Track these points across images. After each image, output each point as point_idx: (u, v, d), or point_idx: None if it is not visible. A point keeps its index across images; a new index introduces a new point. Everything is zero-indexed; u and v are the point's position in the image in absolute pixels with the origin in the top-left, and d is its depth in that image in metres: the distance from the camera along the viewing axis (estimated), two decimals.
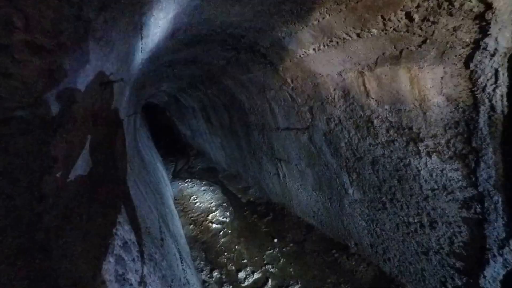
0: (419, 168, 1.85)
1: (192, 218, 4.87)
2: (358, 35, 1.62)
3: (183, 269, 2.35)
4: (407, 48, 1.50)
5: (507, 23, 1.11)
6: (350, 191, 2.61)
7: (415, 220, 2.04)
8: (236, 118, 4.56)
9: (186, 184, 6.68)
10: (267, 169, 4.26)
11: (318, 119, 2.60)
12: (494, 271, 1.63)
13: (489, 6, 1.09)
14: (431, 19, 1.27)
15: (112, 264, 0.87)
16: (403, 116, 1.80)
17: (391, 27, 1.44)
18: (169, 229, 2.81)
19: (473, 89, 1.37)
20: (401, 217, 2.16)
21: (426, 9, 1.26)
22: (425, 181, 1.84)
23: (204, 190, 6.06)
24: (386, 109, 1.89)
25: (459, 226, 1.74)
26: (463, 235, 1.74)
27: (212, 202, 5.35)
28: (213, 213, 4.85)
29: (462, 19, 1.19)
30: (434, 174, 1.77)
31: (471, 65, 1.32)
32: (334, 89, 2.23)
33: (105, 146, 1.24)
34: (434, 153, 1.71)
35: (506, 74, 1.24)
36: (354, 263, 2.89)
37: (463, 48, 1.30)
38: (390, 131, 1.94)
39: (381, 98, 1.88)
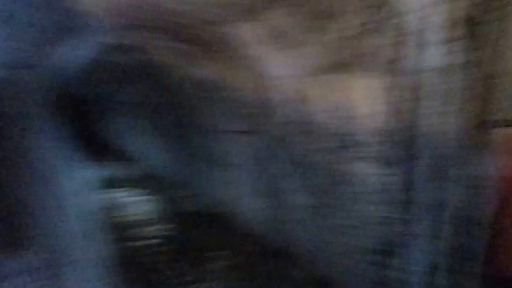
0: (355, 174, 2.00)
1: (124, 234, 4.36)
2: (308, 39, 1.68)
3: None
4: (348, 59, 1.62)
5: (427, 43, 1.28)
6: (294, 196, 2.69)
7: (348, 223, 2.20)
8: (179, 117, 4.32)
9: (119, 194, 6.00)
10: (212, 175, 4.12)
11: (267, 123, 2.63)
12: None
13: (409, 28, 1.25)
14: (364, 36, 1.40)
15: None
16: (342, 123, 1.93)
17: (339, 36, 1.54)
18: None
19: (399, 104, 1.54)
20: (337, 220, 2.30)
21: (360, 26, 1.38)
22: (360, 185, 2.00)
23: (140, 200, 5.53)
24: (328, 115, 2.00)
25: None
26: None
27: (150, 213, 4.91)
28: (151, 227, 4.44)
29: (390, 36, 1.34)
30: (367, 179, 1.93)
31: (396, 81, 1.48)
32: (285, 92, 2.27)
33: None
34: (368, 159, 1.87)
35: (428, 89, 1.43)
36: (293, 268, 2.96)
37: (389, 65, 1.45)
38: (331, 137, 2.06)
39: (325, 104, 1.99)
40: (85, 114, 10.29)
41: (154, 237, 4.16)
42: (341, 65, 1.73)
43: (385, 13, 1.31)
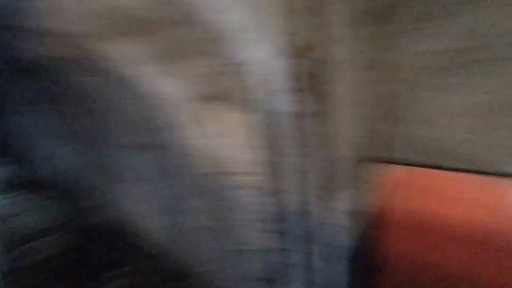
0: (235, 200, 2.06)
1: (8, 246, 3.84)
2: (172, 71, 1.68)
3: None
4: (220, 93, 1.66)
5: (273, 92, 1.36)
6: (191, 216, 2.67)
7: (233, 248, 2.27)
8: (85, 122, 3.97)
9: (13, 199, 5.30)
10: (116, 189, 3.88)
11: (162, 141, 2.56)
12: None
13: (259, 78, 1.31)
14: (223, 76, 1.44)
15: None
16: (221, 150, 1.97)
17: (200, 71, 1.56)
18: None
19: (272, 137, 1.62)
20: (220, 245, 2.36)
21: (215, 67, 1.41)
22: (240, 211, 2.07)
23: (37, 207, 4.97)
24: (207, 142, 2.03)
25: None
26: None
27: (46, 224, 4.42)
28: (36, 241, 4.00)
29: (242, 82, 1.40)
30: (246, 207, 2.00)
31: (261, 118, 1.56)
32: (174, 114, 2.23)
33: None
34: (246, 187, 1.94)
35: (282, 131, 1.53)
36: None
37: (251, 103, 1.52)
38: (210, 163, 2.10)
39: (205, 131, 2.01)
40: None
41: (49, 249, 3.79)
42: (212, 97, 1.75)
43: (234, 59, 1.37)
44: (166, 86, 1.93)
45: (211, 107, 1.80)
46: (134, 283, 3.19)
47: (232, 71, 1.43)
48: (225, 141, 1.89)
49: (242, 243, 2.19)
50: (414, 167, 1.48)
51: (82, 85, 3.17)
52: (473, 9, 1.09)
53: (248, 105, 1.57)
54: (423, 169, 1.45)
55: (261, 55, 1.30)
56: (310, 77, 1.32)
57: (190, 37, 1.39)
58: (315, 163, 1.67)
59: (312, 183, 1.73)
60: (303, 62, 1.28)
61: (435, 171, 1.40)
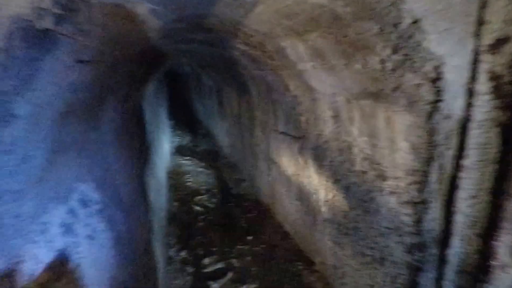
0: (381, 205, 2.03)
1: (179, 196, 5.30)
2: (345, 65, 1.81)
3: (148, 239, 2.73)
4: (383, 90, 1.68)
5: (458, 94, 1.28)
6: (324, 209, 2.83)
7: (370, 253, 2.24)
8: (244, 108, 4.83)
9: (185, 161, 7.13)
10: (261, 167, 4.53)
11: (311, 132, 2.81)
12: None
13: (440, 76, 1.26)
14: (399, 71, 1.45)
15: (60, 212, 1.21)
16: (376, 151, 1.98)
17: (369, 67, 1.63)
18: (147, 199, 3.19)
19: (430, 144, 1.54)
20: (359, 246, 2.37)
21: (395, 62, 1.44)
22: (384, 218, 2.03)
23: (200, 171, 6.47)
24: (364, 140, 2.07)
25: (402, 269, 1.93)
26: (403, 278, 1.93)
27: (203, 185, 5.74)
28: (200, 196, 5.25)
29: (422, 79, 1.37)
30: (391, 214, 1.95)
31: (431, 122, 1.49)
32: (328, 108, 2.42)
33: None
34: (394, 194, 1.89)
35: (457, 139, 1.40)
36: (314, 279, 3.14)
37: (425, 104, 1.47)
38: (364, 162, 2.13)
39: (362, 129, 2.06)
40: (182, 87, 12.14)
41: (203, 206, 4.92)
42: (375, 95, 1.78)
43: (418, 52, 1.34)
44: (331, 81, 2.11)
45: (371, 105, 1.85)
46: (263, 252, 3.69)
47: (409, 67, 1.42)
48: (379, 142, 1.90)
49: (377, 251, 2.15)
50: None
51: (253, 78, 3.86)
52: None
53: (417, 106, 1.52)
54: None
55: (446, 49, 1.23)
56: (498, 77, 1.14)
57: (373, 31, 1.47)
58: (478, 182, 1.44)
59: (467, 205, 1.50)
60: (494, 58, 1.12)
61: None
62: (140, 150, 3.47)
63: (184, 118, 11.63)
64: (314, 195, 2.98)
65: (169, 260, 3.59)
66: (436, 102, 1.40)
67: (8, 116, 0.85)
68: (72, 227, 1.27)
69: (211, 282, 3.22)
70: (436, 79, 1.33)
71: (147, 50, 2.83)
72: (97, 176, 1.76)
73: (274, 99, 3.43)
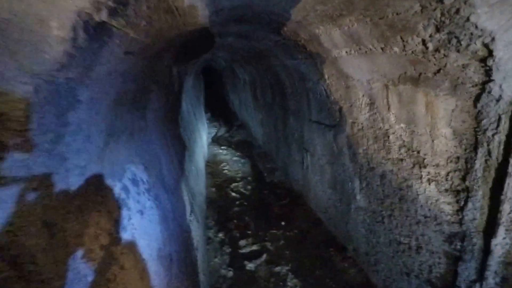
0: (419, 193, 1.93)
1: (216, 182, 5.49)
2: (382, 49, 1.72)
3: (190, 219, 2.89)
4: (424, 73, 1.57)
5: (510, 73, 1.15)
6: (358, 197, 2.76)
7: (405, 241, 2.16)
8: (278, 99, 4.81)
9: (221, 151, 7.34)
10: (294, 156, 4.52)
11: (345, 120, 2.73)
12: None
13: (490, 53, 1.15)
14: (442, 51, 1.34)
15: (117, 188, 1.34)
16: (414, 138, 1.88)
17: (409, 49, 1.53)
18: (189, 183, 3.36)
19: (476, 129, 1.42)
20: (394, 234, 2.28)
21: (438, 41, 1.33)
22: (421, 206, 1.93)
23: (235, 160, 6.63)
24: (402, 127, 1.97)
25: (439, 258, 1.84)
26: (441, 267, 1.84)
27: (239, 173, 5.89)
28: (236, 183, 5.39)
29: (469, 59, 1.25)
30: (429, 202, 1.85)
31: (478, 105, 1.37)
32: (363, 95, 2.33)
33: None
34: (433, 182, 1.79)
35: (507, 122, 1.28)
36: (346, 265, 3.11)
37: (472, 86, 1.35)
38: (402, 150, 2.03)
39: (400, 115, 1.96)
40: (217, 80, 12.42)
41: (239, 192, 5.06)
42: (414, 79, 1.67)
43: (465, 30, 1.23)
44: (367, 66, 2.02)
45: (410, 90, 1.74)
46: (295, 237, 3.71)
47: (454, 46, 1.30)
48: (418, 128, 1.79)
49: (413, 239, 2.06)
50: None
51: (286, 68, 3.82)
52: None
53: (462, 88, 1.40)
54: None
55: (497, 24, 1.11)
56: None
57: (414, 9, 1.37)
58: None
59: None
60: None
61: None
62: (180, 139, 3.65)
63: (220, 110, 11.91)
64: (348, 183, 2.91)
65: (208, 240, 3.78)
66: (484, 84, 1.29)
67: (75, 102, 0.95)
68: (126, 201, 1.40)
69: (247, 262, 3.34)
70: (485, 58, 1.22)
71: (186, 44, 2.94)
72: (144, 159, 1.89)
73: (308, 88, 3.37)
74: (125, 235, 1.33)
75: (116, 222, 1.29)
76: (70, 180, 0.98)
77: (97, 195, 1.17)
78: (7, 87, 0.66)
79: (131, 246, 1.37)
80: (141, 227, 1.53)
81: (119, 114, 1.47)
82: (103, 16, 0.91)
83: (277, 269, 3.21)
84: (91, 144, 1.13)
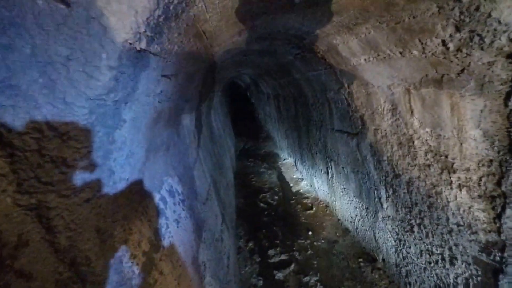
0: (449, 200, 1.78)
1: (245, 193, 5.51)
2: (400, 53, 1.65)
3: (221, 229, 2.91)
4: (447, 74, 1.48)
5: None
6: (385, 205, 2.60)
7: (438, 251, 1.97)
8: (301, 111, 4.78)
9: (249, 163, 7.38)
10: (319, 166, 4.40)
11: (367, 127, 2.63)
12: None
13: None
14: (464, 50, 1.26)
15: (156, 199, 1.40)
16: (441, 142, 1.75)
17: (429, 51, 1.45)
18: (219, 194, 3.41)
19: (509, 129, 1.29)
20: (425, 244, 2.10)
21: (459, 40, 1.25)
22: (453, 214, 1.77)
23: (262, 171, 6.62)
24: (427, 131, 1.85)
25: (477, 270, 1.65)
26: (479, 280, 1.64)
27: (266, 184, 5.86)
28: (264, 194, 5.36)
29: (495, 56, 1.16)
30: (461, 209, 1.69)
31: (510, 104, 1.25)
32: (384, 101, 2.23)
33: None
34: (465, 188, 1.63)
35: None
36: (377, 277, 2.90)
37: (501, 84, 1.24)
38: (428, 155, 1.89)
39: (424, 120, 1.84)
40: (243, 96, 12.71)
41: (266, 203, 5.01)
42: (437, 82, 1.56)
43: (486, 28, 1.14)
44: (387, 72, 1.94)
45: (433, 93, 1.63)
46: (323, 247, 3.55)
47: (477, 44, 1.22)
48: (444, 132, 1.66)
49: (446, 249, 1.87)
50: None
51: (308, 80, 3.80)
52: None
53: (490, 87, 1.28)
54: None
55: None
56: None
57: (431, 11, 1.31)
58: None
59: None
60: None
61: None
62: (210, 152, 3.74)
63: (246, 124, 12.08)
64: (374, 191, 2.77)
65: (239, 249, 3.76)
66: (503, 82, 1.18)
67: (120, 121, 1.02)
68: (164, 211, 1.45)
69: (276, 272, 3.26)
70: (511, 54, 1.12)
71: (213, 64, 3.07)
72: (179, 172, 1.96)
73: (329, 98, 3.32)
74: (163, 243, 1.37)
75: (156, 230, 1.33)
76: (117, 191, 1.04)
77: (139, 205, 1.22)
78: (68, 110, 0.74)
79: (169, 253, 1.41)
80: (177, 235, 1.57)
81: (156, 131, 1.54)
82: (143, 44, 0.98)
83: (306, 279, 3.09)
84: (134, 159, 1.19)
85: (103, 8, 0.74)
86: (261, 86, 7.57)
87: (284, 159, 7.06)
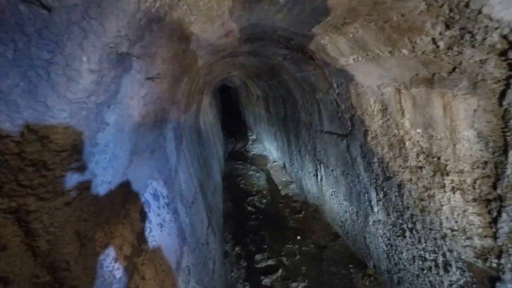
0: (442, 203, 1.71)
1: (233, 197, 5.37)
2: (390, 52, 1.58)
3: (207, 233, 2.77)
4: (439, 73, 1.41)
5: None
6: (376, 209, 2.53)
7: (431, 257, 1.90)
8: (290, 112, 4.70)
9: (237, 165, 7.25)
10: (308, 168, 4.32)
11: (357, 129, 2.55)
12: None
13: (511, 45, 0.98)
14: (455, 48, 1.19)
15: (140, 202, 1.31)
16: (433, 143, 1.68)
17: (419, 50, 1.38)
18: (206, 198, 3.26)
19: (504, 129, 1.22)
20: (418, 250, 2.03)
21: (450, 38, 1.18)
22: (446, 218, 1.70)
23: (251, 174, 6.49)
24: (418, 132, 1.78)
25: (472, 277, 1.57)
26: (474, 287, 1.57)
27: (254, 187, 5.73)
28: (252, 197, 5.23)
29: (487, 53, 1.09)
30: (455, 213, 1.62)
31: (504, 103, 1.18)
32: (374, 102, 2.16)
33: None
34: (459, 191, 1.57)
35: None
36: (367, 284, 2.81)
37: (495, 83, 1.17)
38: (420, 157, 1.82)
39: (415, 120, 1.78)
40: (233, 98, 12.59)
41: (254, 206, 4.88)
42: (428, 81, 1.50)
43: (476, 25, 1.07)
44: (376, 72, 1.87)
45: (424, 92, 1.57)
46: (312, 252, 3.46)
47: (468, 42, 1.15)
48: (436, 133, 1.59)
49: (440, 255, 1.81)
50: None
51: (297, 80, 3.73)
52: None
53: (483, 86, 1.22)
54: None
55: None
56: None
57: (419, 8, 1.24)
58: None
59: None
60: None
61: None
62: (197, 155, 3.60)
63: (236, 126, 11.95)
64: (364, 195, 2.69)
65: (226, 254, 3.62)
66: (508, 79, 1.11)
67: (103, 124, 0.99)
68: (148, 214, 1.39)
69: (263, 277, 3.13)
70: (505, 51, 1.05)
71: (201, 66, 2.94)
72: (164, 175, 1.86)
73: (318, 98, 3.24)
74: (146, 247, 1.33)
75: (139, 234, 1.30)
76: (99, 194, 1.02)
77: (122, 208, 1.18)
78: (48, 114, 0.73)
79: (152, 257, 1.37)
80: (161, 239, 1.52)
81: (141, 133, 1.49)
82: (124, 48, 0.96)
83: (294, 285, 2.97)
84: (117, 162, 1.16)
85: (83, 13, 0.73)
86: (250, 88, 7.48)
87: (274, 162, 6.96)
